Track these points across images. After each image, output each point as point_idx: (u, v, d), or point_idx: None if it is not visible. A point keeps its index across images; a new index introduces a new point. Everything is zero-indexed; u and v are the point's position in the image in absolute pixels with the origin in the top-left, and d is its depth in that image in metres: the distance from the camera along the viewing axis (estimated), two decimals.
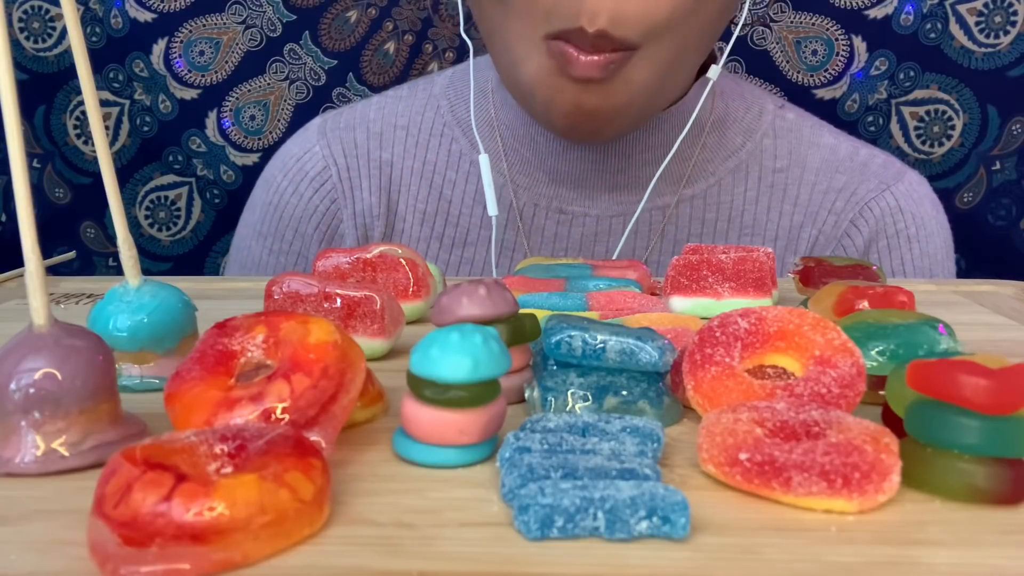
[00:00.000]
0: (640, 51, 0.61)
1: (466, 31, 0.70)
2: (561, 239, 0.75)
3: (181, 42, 0.97)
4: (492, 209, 0.69)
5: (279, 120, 0.99)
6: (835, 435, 0.29)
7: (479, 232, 0.76)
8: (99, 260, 1.02)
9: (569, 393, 0.35)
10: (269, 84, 0.98)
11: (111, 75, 0.98)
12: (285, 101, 0.99)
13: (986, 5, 0.94)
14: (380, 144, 0.77)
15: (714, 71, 0.68)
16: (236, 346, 0.33)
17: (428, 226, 0.76)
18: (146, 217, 1.01)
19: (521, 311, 0.39)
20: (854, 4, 0.95)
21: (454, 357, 0.30)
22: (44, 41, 0.97)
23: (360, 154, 0.77)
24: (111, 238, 1.01)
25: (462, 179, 0.76)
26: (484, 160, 0.68)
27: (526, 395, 0.36)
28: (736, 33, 0.73)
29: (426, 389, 0.31)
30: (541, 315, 0.44)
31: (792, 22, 0.96)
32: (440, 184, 0.76)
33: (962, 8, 0.94)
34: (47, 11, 0.97)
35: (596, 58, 0.60)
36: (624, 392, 0.35)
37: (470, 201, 0.76)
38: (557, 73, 0.62)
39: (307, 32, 0.97)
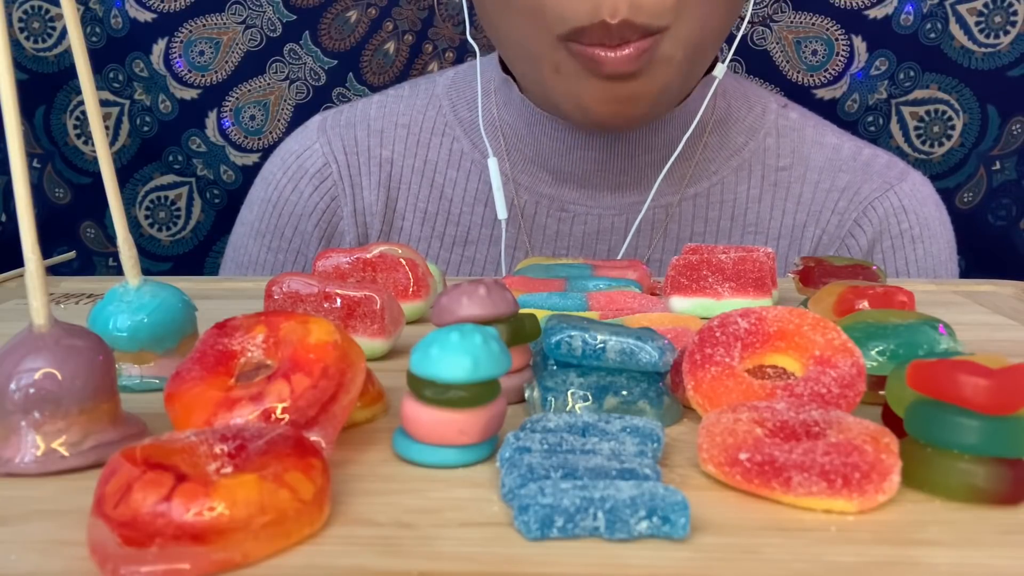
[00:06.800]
0: (667, 31, 0.61)
1: (471, 34, 0.70)
2: (563, 237, 0.75)
3: (181, 42, 0.97)
4: (501, 212, 0.69)
5: (279, 120, 0.99)
6: (835, 435, 0.29)
7: (480, 231, 0.76)
8: (99, 260, 1.02)
9: (569, 393, 0.35)
10: (269, 84, 0.98)
11: (111, 75, 0.98)
12: (285, 101, 0.99)
13: (986, 5, 0.94)
14: (381, 142, 0.77)
15: (720, 69, 0.69)
16: (236, 346, 0.33)
17: (429, 225, 0.76)
18: (146, 217, 1.01)
19: (521, 311, 0.39)
20: (854, 4, 0.95)
21: (454, 357, 0.30)
22: (44, 41, 0.97)
23: (360, 151, 0.77)
24: (111, 238, 1.01)
25: (463, 178, 0.76)
26: (493, 163, 0.68)
27: (526, 395, 0.36)
28: (741, 31, 0.73)
29: (426, 389, 0.31)
30: (541, 315, 0.44)
31: (792, 22, 0.96)
32: (441, 183, 0.76)
33: (962, 8, 0.94)
34: (47, 11, 0.97)
35: (627, 51, 0.60)
36: (624, 392, 0.35)
37: (471, 200, 0.75)
38: (584, 74, 0.62)
39: (307, 32, 0.97)
